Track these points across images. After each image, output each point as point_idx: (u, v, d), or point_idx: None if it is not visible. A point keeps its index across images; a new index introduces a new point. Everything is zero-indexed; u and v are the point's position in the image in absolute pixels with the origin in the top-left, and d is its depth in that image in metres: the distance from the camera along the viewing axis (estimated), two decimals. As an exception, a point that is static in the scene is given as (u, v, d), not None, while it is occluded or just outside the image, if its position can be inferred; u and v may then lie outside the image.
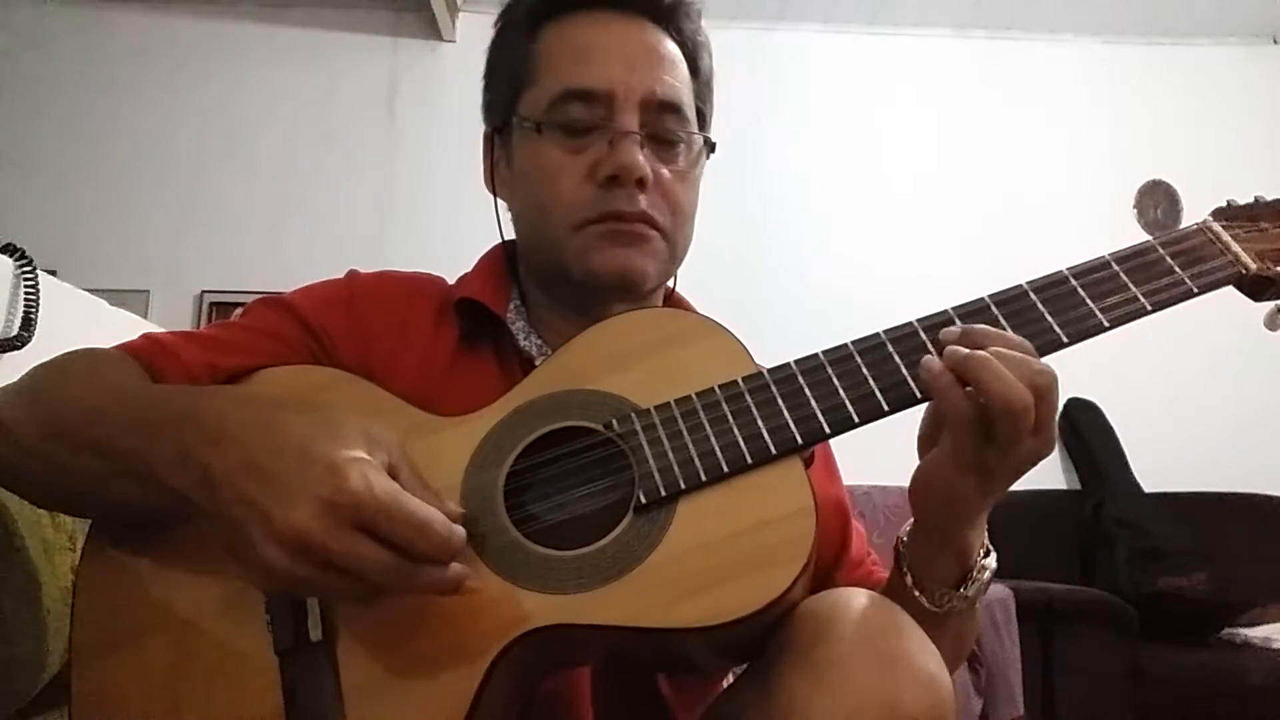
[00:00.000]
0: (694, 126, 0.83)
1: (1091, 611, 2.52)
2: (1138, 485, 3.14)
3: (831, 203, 3.39)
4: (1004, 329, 0.67)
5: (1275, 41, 3.72)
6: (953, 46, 3.66)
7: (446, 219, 3.31)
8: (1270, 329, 0.76)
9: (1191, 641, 2.56)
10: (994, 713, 2.33)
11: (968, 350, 0.62)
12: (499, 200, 0.89)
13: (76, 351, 0.74)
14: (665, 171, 0.80)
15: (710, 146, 0.85)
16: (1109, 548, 2.94)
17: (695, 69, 0.85)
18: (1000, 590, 2.48)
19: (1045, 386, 0.61)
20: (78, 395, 0.68)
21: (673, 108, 0.81)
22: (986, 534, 0.71)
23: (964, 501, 0.66)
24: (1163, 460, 3.16)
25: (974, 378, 0.61)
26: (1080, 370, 3.31)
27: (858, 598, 0.61)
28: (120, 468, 0.63)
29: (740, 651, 0.66)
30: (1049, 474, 3.26)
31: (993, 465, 0.63)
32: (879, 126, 3.56)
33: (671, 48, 0.83)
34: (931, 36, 3.65)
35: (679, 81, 0.82)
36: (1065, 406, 3.28)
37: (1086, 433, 3.22)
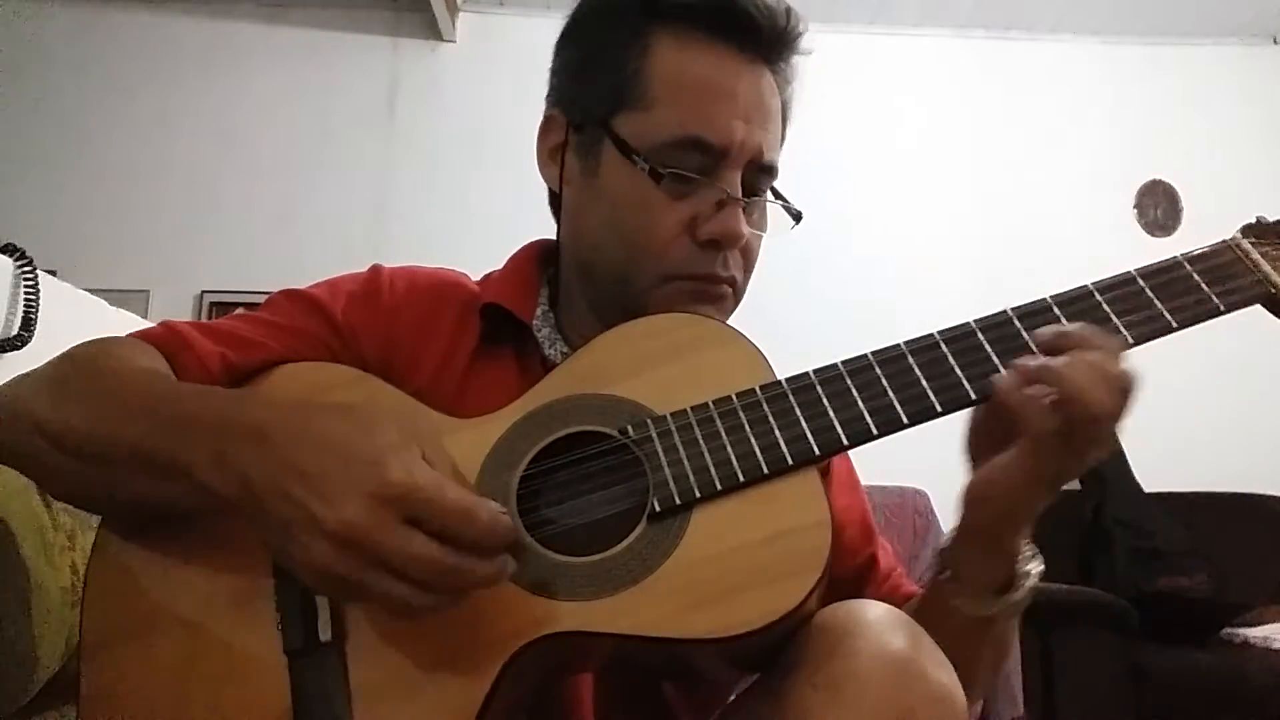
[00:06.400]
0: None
1: (1091, 611, 2.52)
2: (1138, 485, 3.14)
3: (830, 203, 3.38)
4: (1029, 344, 0.66)
5: (1275, 41, 3.72)
6: (953, 46, 3.66)
7: (446, 219, 3.31)
8: None
9: (1191, 641, 2.56)
10: (994, 713, 2.33)
11: (1040, 361, 0.62)
12: (564, 192, 0.83)
13: (101, 342, 0.73)
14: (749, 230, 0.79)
15: (797, 218, 0.83)
16: (1109, 548, 2.94)
17: (784, 114, 0.83)
18: (1000, 590, 2.48)
19: (1131, 391, 0.62)
20: (109, 390, 0.67)
21: (771, 171, 0.80)
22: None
23: (1027, 509, 0.66)
24: (1163, 460, 3.16)
25: (1057, 386, 0.61)
26: (1080, 370, 3.32)
27: (872, 610, 0.61)
28: (150, 465, 0.62)
29: (750, 663, 0.66)
30: (1049, 474, 3.25)
31: (1065, 472, 0.64)
32: (878, 126, 3.56)
33: (777, 98, 0.81)
34: (931, 36, 3.65)
35: (778, 139, 0.81)
36: (1065, 406, 3.28)
37: (1086, 433, 3.22)
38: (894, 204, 3.49)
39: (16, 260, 1.11)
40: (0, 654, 0.79)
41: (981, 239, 3.42)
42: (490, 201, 3.04)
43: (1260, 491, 3.13)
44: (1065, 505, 3.29)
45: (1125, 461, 3.19)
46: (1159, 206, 3.57)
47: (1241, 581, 2.82)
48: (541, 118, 0.84)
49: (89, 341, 0.73)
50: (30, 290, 1.11)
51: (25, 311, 1.09)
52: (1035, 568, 0.70)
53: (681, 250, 0.76)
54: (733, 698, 0.72)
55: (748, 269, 0.80)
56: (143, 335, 0.75)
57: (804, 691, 0.57)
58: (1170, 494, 3.10)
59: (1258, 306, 0.73)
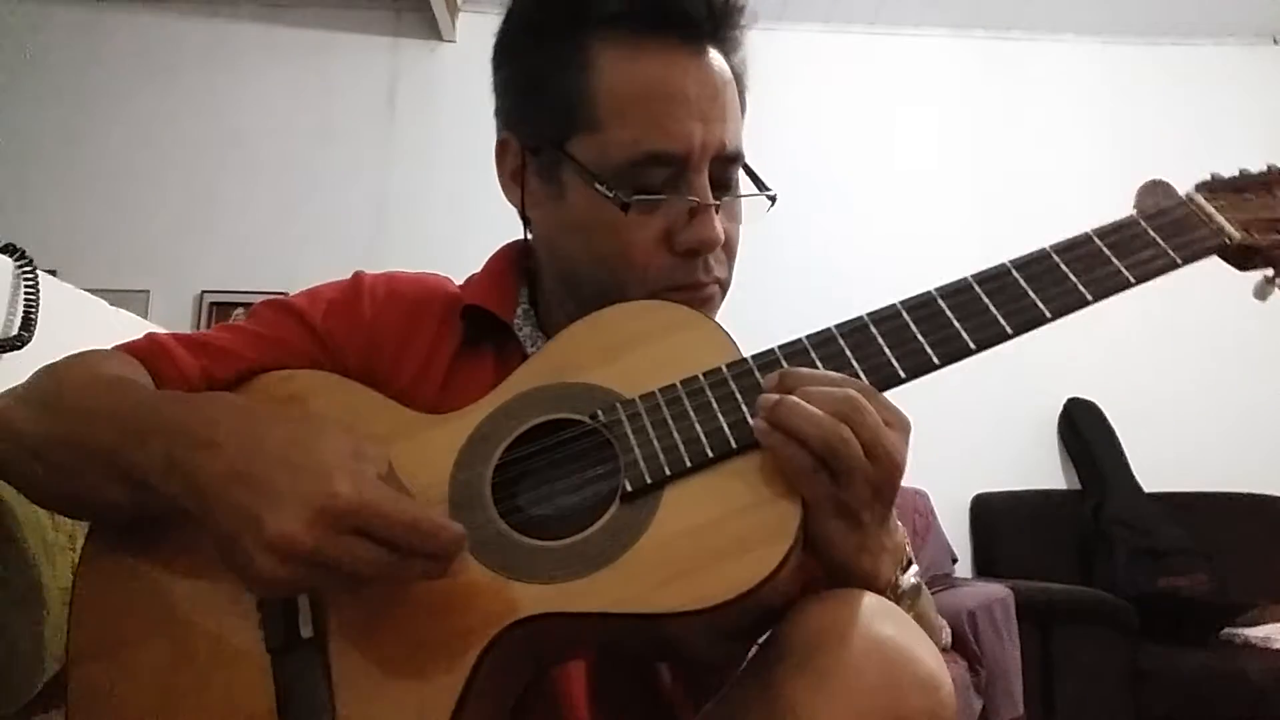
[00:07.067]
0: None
1: (1091, 611, 2.52)
2: (1138, 485, 3.14)
3: (831, 202, 3.38)
4: (988, 308, 0.67)
5: (1275, 41, 3.72)
6: (953, 46, 3.66)
7: (446, 219, 3.31)
8: (1259, 299, 0.76)
9: (1191, 641, 2.56)
10: (994, 713, 2.33)
11: (776, 398, 0.62)
12: (526, 214, 0.84)
13: (81, 354, 0.75)
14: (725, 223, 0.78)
15: (773, 199, 0.81)
16: (1109, 548, 2.94)
17: (741, 89, 0.81)
18: (1000, 590, 2.48)
19: (849, 411, 0.60)
20: (79, 400, 0.68)
21: (737, 158, 0.78)
22: (909, 546, 0.69)
23: (840, 544, 0.64)
24: (1163, 460, 3.16)
25: (785, 426, 0.61)
26: (1080, 370, 3.31)
27: (856, 599, 0.61)
28: (114, 472, 0.64)
29: (732, 637, 0.67)
30: (1049, 474, 3.26)
31: (848, 502, 0.62)
32: (879, 126, 3.56)
33: (730, 80, 0.78)
34: (931, 36, 3.65)
35: (739, 124, 0.79)
36: (1065, 406, 3.28)
37: (1086, 433, 3.22)
38: (893, 204, 3.49)
39: (16, 260, 1.10)
40: (1, 654, 0.79)
41: (981, 239, 3.41)
42: (490, 201, 3.02)
43: (1260, 491, 3.13)
44: (1065, 505, 3.30)
45: (1125, 461, 3.19)
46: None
47: (1241, 581, 2.82)
48: (495, 141, 0.84)
49: (70, 355, 0.75)
50: (30, 290, 1.11)
51: (25, 311, 1.09)
52: (908, 579, 0.67)
53: (662, 264, 0.76)
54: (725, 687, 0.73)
55: (731, 261, 0.80)
56: (125, 348, 0.77)
57: (791, 683, 0.58)
58: (1170, 494, 3.10)
59: (1245, 299, 0.74)
